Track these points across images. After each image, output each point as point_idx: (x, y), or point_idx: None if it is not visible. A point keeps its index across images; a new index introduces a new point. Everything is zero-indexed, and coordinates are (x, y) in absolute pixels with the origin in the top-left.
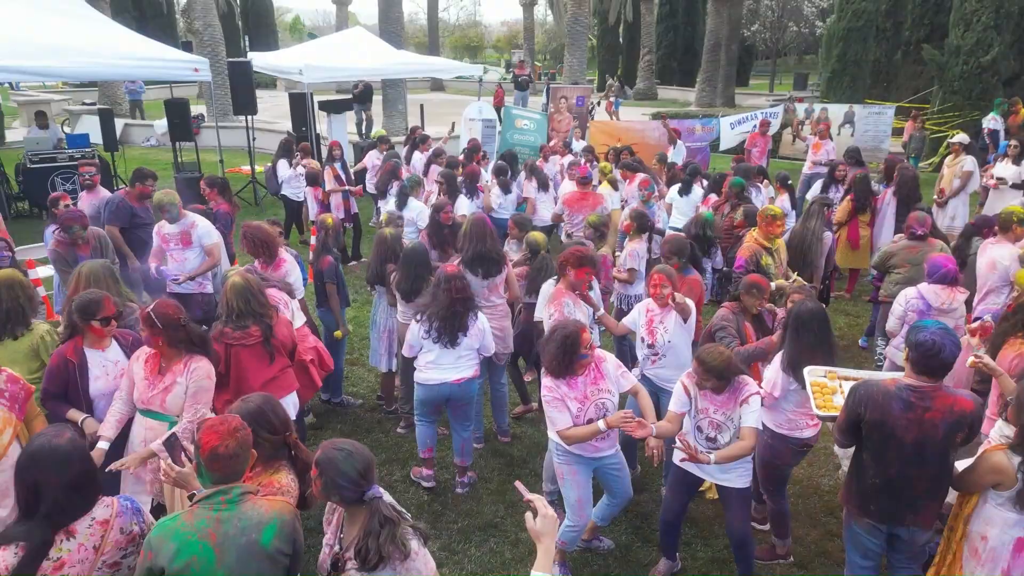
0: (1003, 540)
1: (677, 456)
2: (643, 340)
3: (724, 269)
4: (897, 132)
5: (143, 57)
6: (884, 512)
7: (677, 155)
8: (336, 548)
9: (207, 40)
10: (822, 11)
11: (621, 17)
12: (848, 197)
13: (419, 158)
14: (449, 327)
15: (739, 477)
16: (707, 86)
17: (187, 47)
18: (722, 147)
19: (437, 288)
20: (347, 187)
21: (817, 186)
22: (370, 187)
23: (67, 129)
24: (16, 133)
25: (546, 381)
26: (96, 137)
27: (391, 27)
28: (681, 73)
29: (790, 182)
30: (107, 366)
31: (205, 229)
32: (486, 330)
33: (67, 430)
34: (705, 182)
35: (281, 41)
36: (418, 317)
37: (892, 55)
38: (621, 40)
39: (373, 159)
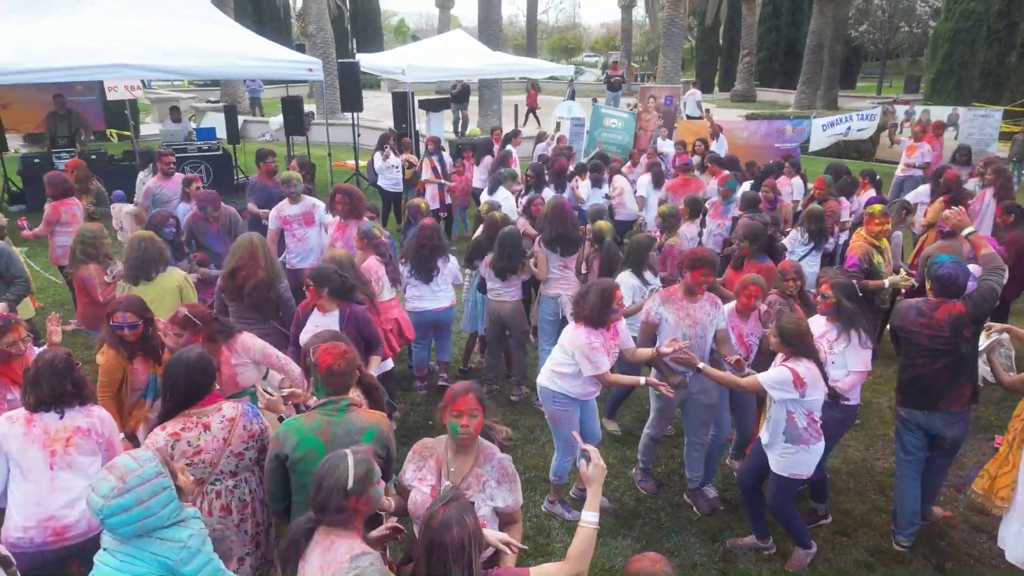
0: None
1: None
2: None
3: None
4: (1007, 137)
5: (264, 58)
6: (917, 399)
7: (719, 148)
8: (446, 483)
9: (319, 42)
10: (935, 11)
11: (721, 18)
12: (942, 197)
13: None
14: (422, 267)
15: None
16: (807, 88)
17: (300, 49)
18: (812, 148)
19: (413, 237)
20: (442, 180)
21: (923, 189)
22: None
23: (194, 124)
24: (147, 127)
25: (584, 330)
26: (220, 132)
27: (490, 29)
28: (783, 75)
29: (878, 178)
30: (318, 327)
31: (323, 208)
32: (455, 271)
33: (199, 348)
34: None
35: (386, 44)
36: (403, 261)
37: (1004, 57)
38: (721, 41)
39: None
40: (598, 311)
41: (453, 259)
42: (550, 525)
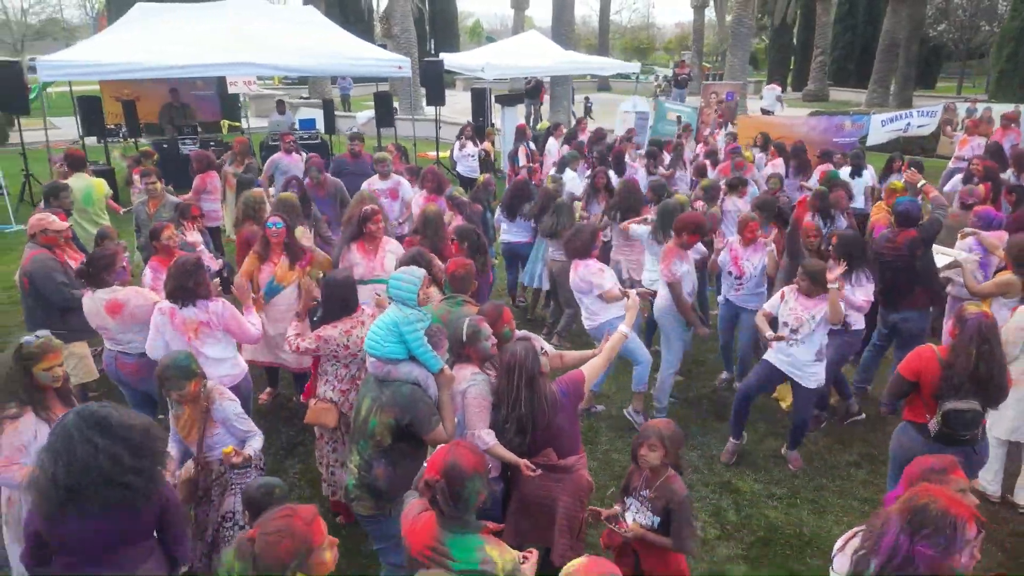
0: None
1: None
2: (730, 273)
3: None
4: None
5: (360, 57)
6: (887, 300)
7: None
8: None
9: (403, 43)
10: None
11: (796, 17)
12: (983, 186)
13: (553, 143)
14: (511, 209)
15: (811, 379)
16: (879, 87)
17: (383, 48)
18: (869, 143)
19: (508, 188)
20: (530, 164)
21: (956, 179)
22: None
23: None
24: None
25: (580, 263)
26: (318, 124)
27: (563, 29)
28: (857, 75)
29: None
30: None
31: (407, 187)
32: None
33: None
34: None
35: (462, 44)
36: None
37: None
38: (795, 41)
39: (551, 147)
40: (588, 244)
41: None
42: (598, 427)
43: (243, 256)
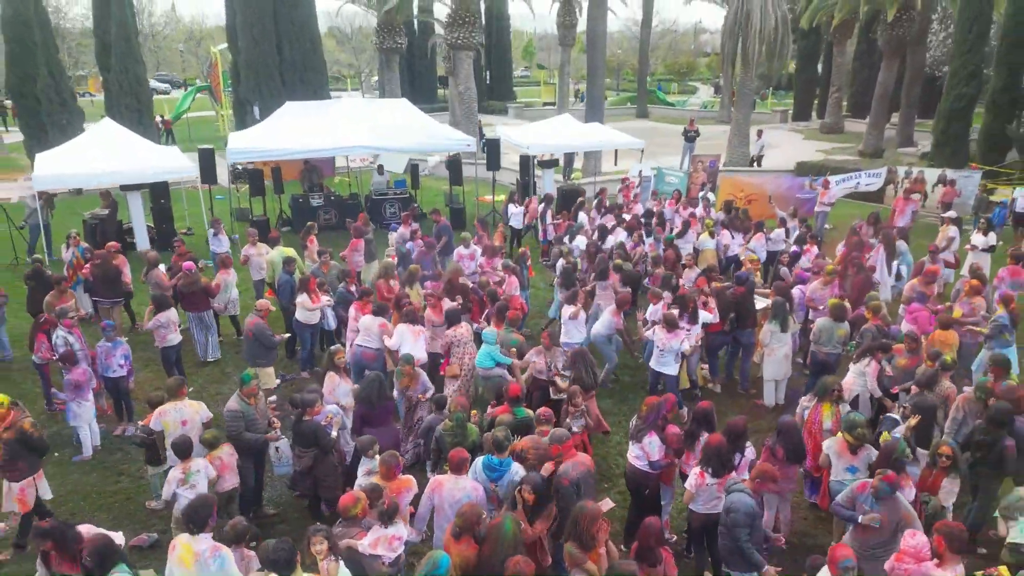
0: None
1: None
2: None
3: None
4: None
5: (440, 136)
6: (736, 324)
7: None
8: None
9: (466, 98)
10: None
11: (820, 53)
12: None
13: (583, 216)
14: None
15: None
16: (874, 130)
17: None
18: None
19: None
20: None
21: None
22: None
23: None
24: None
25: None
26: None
27: (596, 61)
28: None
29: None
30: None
31: (479, 253)
32: None
33: None
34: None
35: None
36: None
37: (1006, 125)
38: (820, 71)
39: (582, 219)
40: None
41: None
42: None
43: (380, 298)
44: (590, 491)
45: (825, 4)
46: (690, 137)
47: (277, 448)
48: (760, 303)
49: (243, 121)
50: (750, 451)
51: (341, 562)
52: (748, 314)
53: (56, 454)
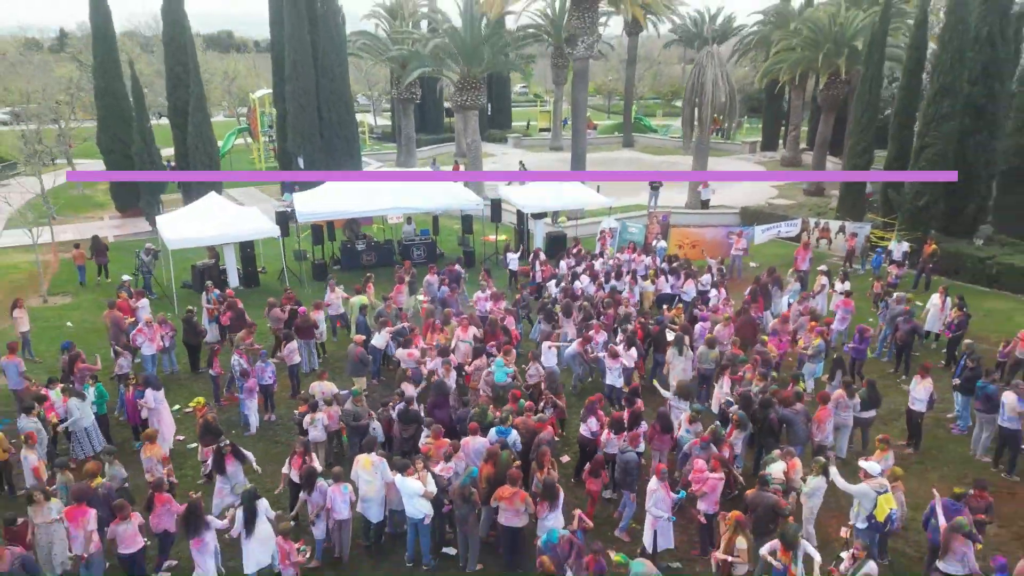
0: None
1: None
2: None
3: None
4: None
5: (460, 197)
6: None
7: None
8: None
9: (473, 148)
10: None
11: (785, 92)
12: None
13: (563, 263)
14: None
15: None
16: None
17: (449, 113)
18: (756, 242)
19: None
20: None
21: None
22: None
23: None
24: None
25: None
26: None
27: (579, 105)
28: (833, 142)
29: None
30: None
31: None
32: None
33: None
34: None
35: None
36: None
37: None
38: (785, 107)
39: (563, 266)
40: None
41: None
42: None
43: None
44: (555, 449)
45: (772, 68)
46: (655, 187)
47: (372, 428)
48: (671, 336)
49: (287, 166)
50: (644, 425)
51: (429, 474)
52: (662, 343)
53: (233, 431)
